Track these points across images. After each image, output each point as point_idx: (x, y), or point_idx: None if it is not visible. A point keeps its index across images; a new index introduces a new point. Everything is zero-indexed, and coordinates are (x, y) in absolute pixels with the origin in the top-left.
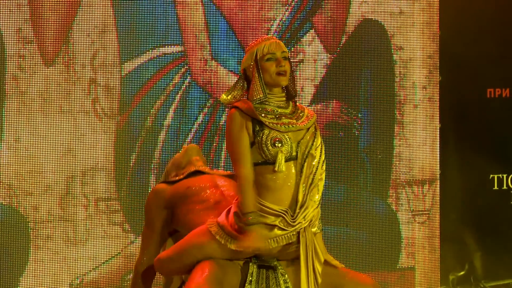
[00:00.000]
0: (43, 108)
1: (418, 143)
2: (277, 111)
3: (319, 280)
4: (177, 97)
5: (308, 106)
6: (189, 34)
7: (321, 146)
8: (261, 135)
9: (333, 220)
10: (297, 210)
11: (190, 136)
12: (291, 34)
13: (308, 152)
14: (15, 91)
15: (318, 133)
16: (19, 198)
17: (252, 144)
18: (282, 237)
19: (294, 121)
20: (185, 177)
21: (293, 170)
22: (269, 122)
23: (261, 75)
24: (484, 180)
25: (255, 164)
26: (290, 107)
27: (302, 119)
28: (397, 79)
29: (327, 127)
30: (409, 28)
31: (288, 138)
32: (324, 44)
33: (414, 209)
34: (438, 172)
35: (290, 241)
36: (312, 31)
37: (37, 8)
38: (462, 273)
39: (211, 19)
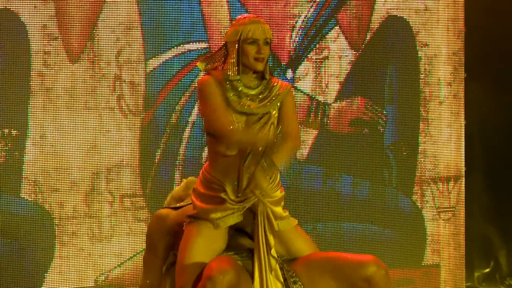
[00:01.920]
0: (69, 106)
1: (443, 140)
2: (243, 91)
3: (274, 254)
4: None
5: (333, 102)
6: (214, 31)
7: (274, 126)
8: None
9: (358, 217)
10: (242, 187)
11: None
12: (316, 31)
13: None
14: (42, 89)
15: (282, 109)
16: (45, 195)
17: None
18: (228, 218)
19: (254, 103)
20: (188, 204)
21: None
22: (231, 100)
23: (239, 56)
24: (509, 176)
25: (209, 134)
26: (259, 88)
27: (265, 102)
28: (422, 76)
29: (352, 124)
30: (434, 25)
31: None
32: (349, 41)
33: (439, 206)
34: (463, 169)
35: (239, 220)
36: (337, 28)
37: (63, 7)
38: (487, 270)
39: (236, 15)
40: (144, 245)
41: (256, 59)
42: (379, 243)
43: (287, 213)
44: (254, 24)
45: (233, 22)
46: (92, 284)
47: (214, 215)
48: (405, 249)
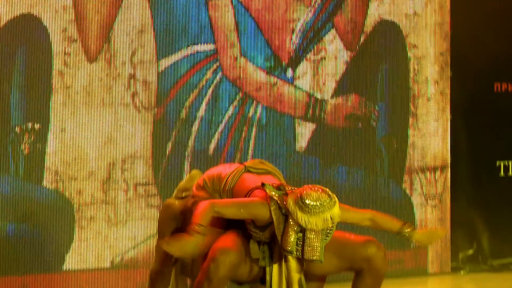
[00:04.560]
0: (87, 102)
1: (431, 133)
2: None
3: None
4: (209, 91)
5: (330, 99)
6: (220, 34)
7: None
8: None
9: (353, 204)
10: None
11: (221, 127)
12: (314, 34)
13: None
14: (61, 85)
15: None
16: (65, 183)
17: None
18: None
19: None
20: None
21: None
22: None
23: (291, 233)
24: (491, 167)
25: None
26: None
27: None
28: (411, 75)
29: (347, 119)
30: (422, 28)
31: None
32: (344, 42)
33: (427, 193)
34: (449, 159)
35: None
36: (333, 31)
37: (82, 12)
38: (471, 252)
39: (240, 19)
40: (156, 230)
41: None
42: None
43: None
44: (317, 217)
45: (301, 192)
46: (108, 265)
47: None
48: None
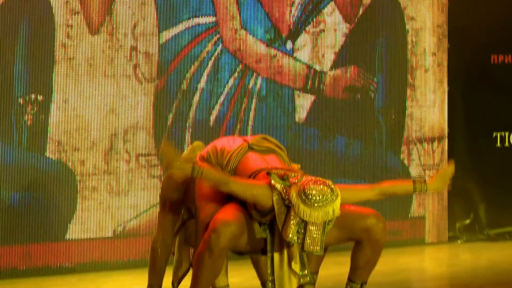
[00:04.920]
0: (89, 73)
1: (428, 104)
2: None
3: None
4: (210, 63)
5: (329, 71)
6: (221, 6)
7: None
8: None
9: (351, 174)
10: None
11: (221, 98)
12: (313, 6)
13: None
14: (64, 57)
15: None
16: (68, 154)
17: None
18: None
19: None
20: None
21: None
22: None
23: (292, 223)
24: (488, 138)
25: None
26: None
27: None
28: (409, 47)
29: (346, 90)
30: (420, 0)
31: None
32: (343, 15)
33: (424, 164)
34: (446, 130)
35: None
36: (332, 3)
37: None
38: (467, 221)
39: None
40: (157, 200)
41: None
42: None
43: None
44: (318, 211)
45: (302, 184)
46: (111, 234)
47: None
48: (393, 203)
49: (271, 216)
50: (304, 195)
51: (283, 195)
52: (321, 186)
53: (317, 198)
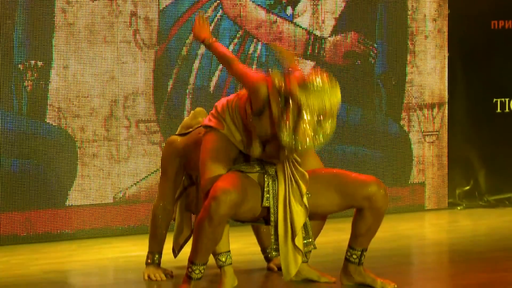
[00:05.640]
0: (89, 39)
1: (429, 70)
2: None
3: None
4: (210, 29)
5: (329, 37)
6: None
7: None
8: None
9: (351, 140)
10: None
11: (221, 64)
12: None
13: None
14: (64, 23)
15: None
16: (68, 120)
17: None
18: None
19: None
20: (195, 129)
21: None
22: None
23: (289, 116)
24: (488, 104)
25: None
26: None
27: None
28: (409, 12)
29: (346, 56)
30: None
31: None
32: None
33: (424, 130)
34: (446, 96)
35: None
36: None
37: None
38: (467, 188)
39: None
40: (157, 166)
41: None
42: (370, 163)
43: None
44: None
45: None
46: (111, 200)
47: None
48: (393, 169)
49: (270, 120)
50: (302, 81)
51: (283, 87)
52: (320, 75)
53: (316, 83)
